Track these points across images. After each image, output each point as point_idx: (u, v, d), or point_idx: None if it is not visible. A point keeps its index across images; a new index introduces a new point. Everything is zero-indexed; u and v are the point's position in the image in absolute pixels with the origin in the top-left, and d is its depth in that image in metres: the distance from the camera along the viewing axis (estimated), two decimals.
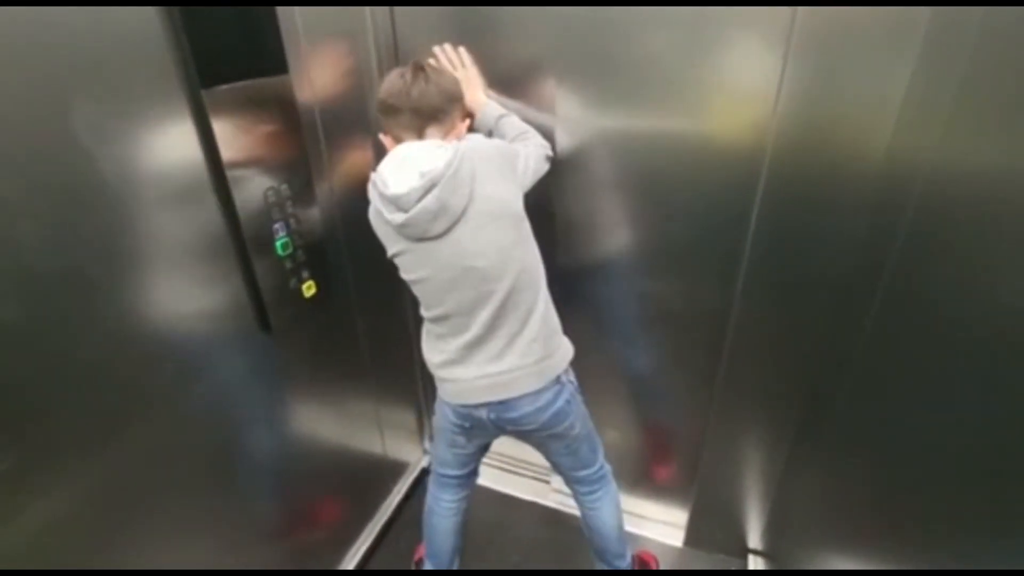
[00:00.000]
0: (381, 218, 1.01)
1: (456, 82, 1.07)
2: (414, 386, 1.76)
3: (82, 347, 0.77)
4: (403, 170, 0.96)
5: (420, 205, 0.94)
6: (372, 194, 1.02)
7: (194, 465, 1.00)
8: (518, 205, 1.03)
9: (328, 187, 1.19)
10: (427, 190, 0.93)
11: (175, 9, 0.79)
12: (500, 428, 1.14)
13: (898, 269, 0.89)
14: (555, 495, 1.76)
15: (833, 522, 1.09)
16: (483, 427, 1.15)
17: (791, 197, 1.04)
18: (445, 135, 1.03)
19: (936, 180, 0.80)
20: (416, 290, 1.07)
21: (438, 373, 1.13)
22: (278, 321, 1.08)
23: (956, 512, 0.69)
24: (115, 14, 0.74)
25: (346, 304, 1.34)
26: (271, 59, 0.97)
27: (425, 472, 1.86)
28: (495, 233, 0.99)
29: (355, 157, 1.28)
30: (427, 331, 1.13)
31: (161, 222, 0.85)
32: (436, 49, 1.19)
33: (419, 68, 1.01)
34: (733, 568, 1.53)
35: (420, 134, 1.02)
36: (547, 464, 1.73)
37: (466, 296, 1.01)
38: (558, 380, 1.10)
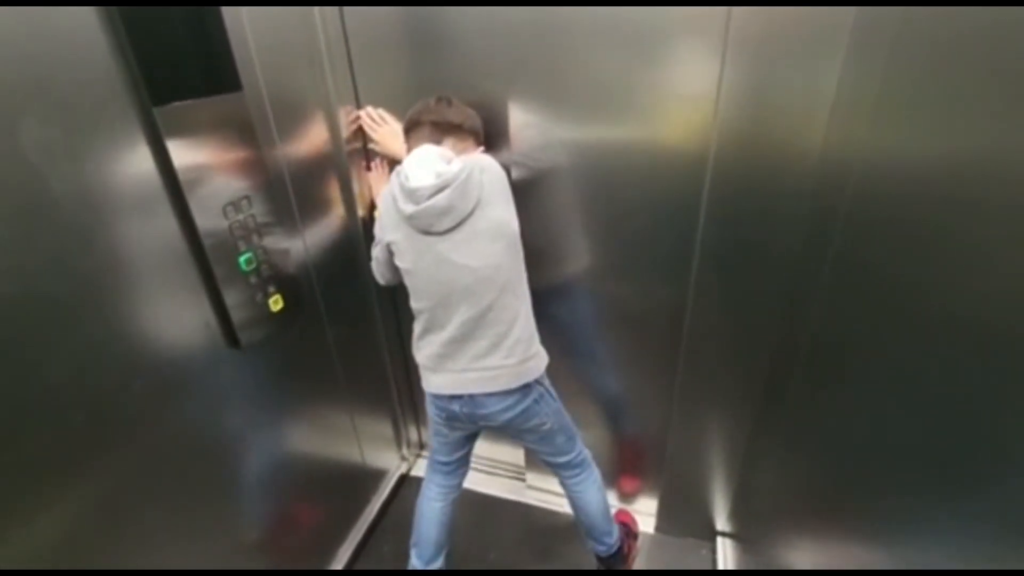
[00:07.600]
0: (394, 206, 1.10)
1: (477, 117, 1.19)
2: (389, 395, 1.78)
3: (49, 368, 0.77)
4: (423, 168, 1.06)
5: (431, 201, 1.03)
6: (393, 182, 1.11)
7: (173, 481, 1.00)
8: (516, 227, 1.13)
9: (292, 203, 1.20)
10: (439, 189, 1.04)
11: (121, 28, 0.79)
12: (473, 422, 1.21)
13: (840, 254, 0.93)
14: (531, 492, 1.79)
15: (794, 503, 1.13)
16: (458, 419, 1.21)
17: (735, 189, 1.09)
18: (459, 152, 1.13)
19: (869, 167, 0.85)
20: (407, 279, 1.16)
21: (425, 363, 1.20)
22: (247, 336, 1.08)
23: (906, 486, 0.72)
24: (59, 33, 0.74)
25: (316, 317, 1.35)
26: (224, 77, 0.98)
27: (404, 478, 1.89)
28: (489, 247, 1.08)
29: (318, 175, 1.30)
30: (416, 325, 1.20)
31: (121, 239, 0.85)
32: (361, 113, 1.35)
33: (443, 97, 1.16)
34: (703, 551, 1.59)
35: (438, 144, 1.13)
36: (522, 463, 1.78)
37: (451, 294, 1.09)
38: (528, 386, 1.17)
